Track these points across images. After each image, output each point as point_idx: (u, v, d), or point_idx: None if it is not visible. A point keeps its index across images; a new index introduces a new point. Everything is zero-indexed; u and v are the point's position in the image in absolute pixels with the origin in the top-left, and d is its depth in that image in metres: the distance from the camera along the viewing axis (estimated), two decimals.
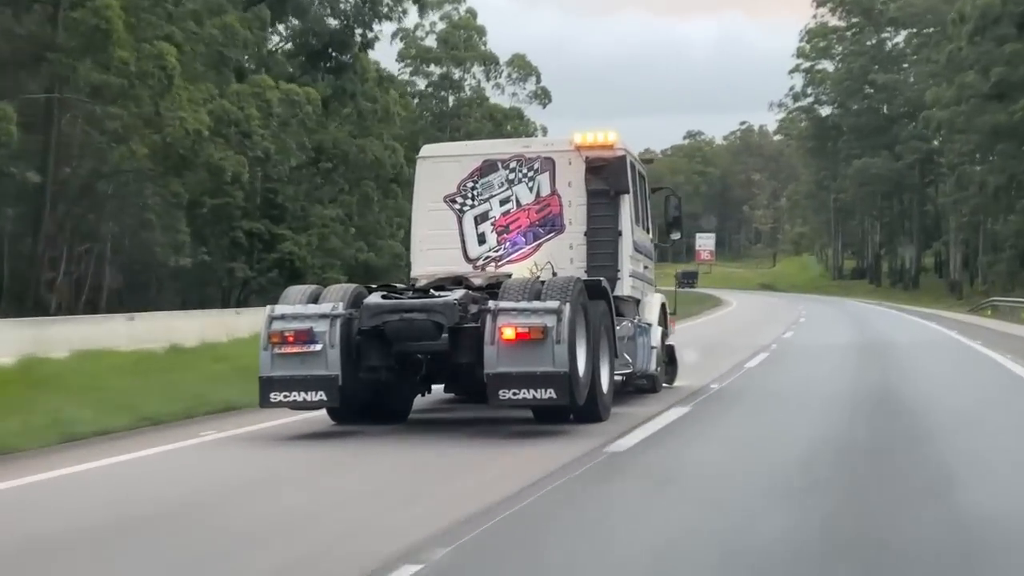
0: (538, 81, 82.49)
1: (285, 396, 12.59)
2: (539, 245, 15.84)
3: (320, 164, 55.76)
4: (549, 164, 15.83)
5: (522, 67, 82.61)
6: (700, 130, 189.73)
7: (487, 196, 15.90)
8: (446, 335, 12.60)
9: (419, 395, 14.35)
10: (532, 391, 12.21)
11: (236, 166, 42.48)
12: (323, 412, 13.65)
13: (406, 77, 79.57)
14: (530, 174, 15.86)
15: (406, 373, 13.21)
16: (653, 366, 16.94)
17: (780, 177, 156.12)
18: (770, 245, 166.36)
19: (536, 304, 12.38)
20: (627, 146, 16.37)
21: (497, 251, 15.88)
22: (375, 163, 56.39)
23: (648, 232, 17.70)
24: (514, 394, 12.23)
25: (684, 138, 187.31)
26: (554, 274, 15.27)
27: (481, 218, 15.92)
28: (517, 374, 12.20)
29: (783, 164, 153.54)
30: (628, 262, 15.89)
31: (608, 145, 15.80)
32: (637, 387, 16.96)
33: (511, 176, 15.87)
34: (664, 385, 18.02)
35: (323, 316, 12.55)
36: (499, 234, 15.89)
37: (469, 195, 15.91)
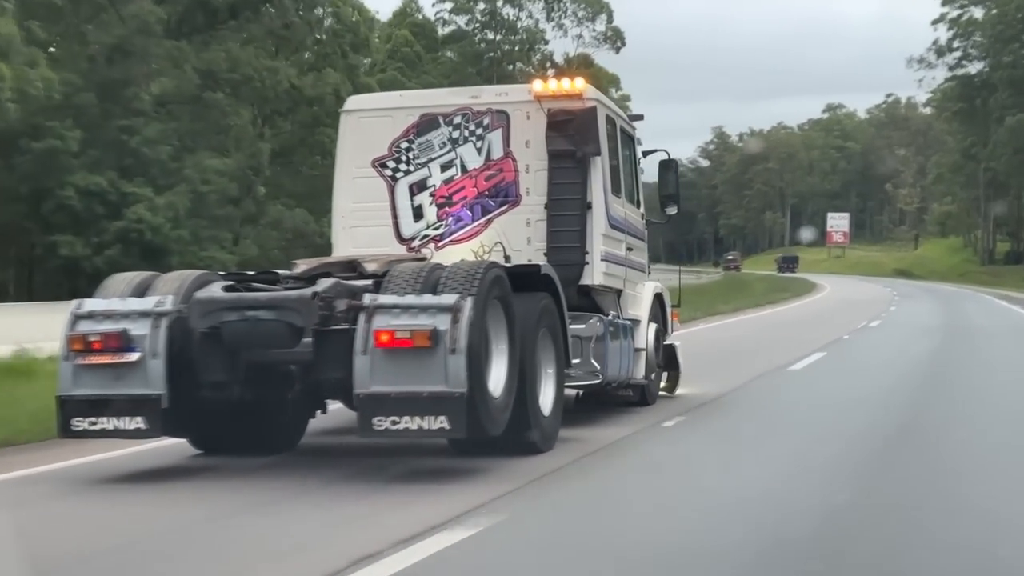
0: (609, 20, 74.14)
1: (92, 423, 9.59)
2: (489, 221, 12.79)
3: (207, 94, 41.40)
4: (502, 119, 12.72)
5: (590, 2, 74.00)
6: (841, 103, 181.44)
7: (425, 159, 12.87)
8: (309, 339, 9.46)
9: (312, 416, 11.22)
10: (417, 419, 9.10)
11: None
12: (177, 440, 10.63)
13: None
14: (478, 132, 12.76)
15: (270, 390, 10.08)
16: (640, 373, 13.73)
17: (928, 153, 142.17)
18: (915, 227, 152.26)
19: (426, 300, 9.26)
20: (601, 96, 13.15)
21: (437, 228, 12.83)
22: (294, 94, 44.99)
23: (637, 206, 14.46)
24: (393, 423, 9.12)
25: (823, 111, 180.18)
26: (506, 258, 12.28)
27: (418, 187, 12.88)
28: (397, 396, 9.09)
29: (931, 139, 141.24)
30: (600, 242, 12.70)
31: (575, 94, 12.64)
32: (622, 400, 13.73)
33: (455, 134, 12.78)
34: (663, 394, 14.78)
35: (144, 314, 9.54)
36: (440, 207, 12.85)
37: (403, 158, 12.87)
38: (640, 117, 15.29)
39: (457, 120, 12.78)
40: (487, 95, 13.06)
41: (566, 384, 12.12)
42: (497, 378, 9.88)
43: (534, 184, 12.66)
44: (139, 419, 9.39)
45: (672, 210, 14.98)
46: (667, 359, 14.93)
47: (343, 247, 12.84)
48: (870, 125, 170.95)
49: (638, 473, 10.51)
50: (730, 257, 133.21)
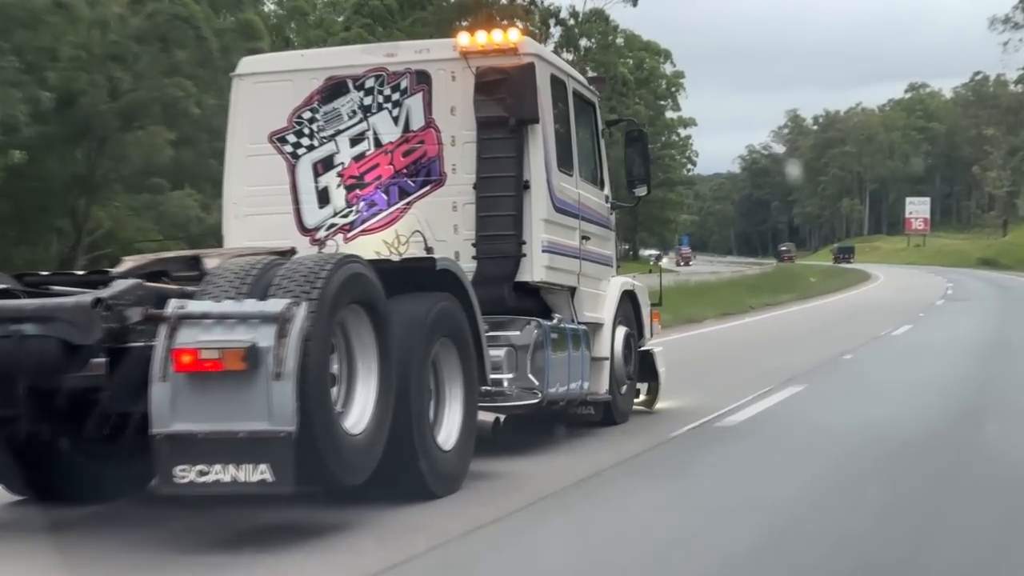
0: None
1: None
2: (408, 205, 10.59)
3: None
4: (423, 81, 10.55)
5: None
6: (925, 82, 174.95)
7: (332, 132, 10.75)
8: (103, 360, 7.27)
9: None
10: (232, 468, 6.83)
11: None
12: None
13: None
14: (395, 97, 10.58)
15: (70, 424, 7.88)
16: (603, 386, 11.46)
17: (1019, 132, 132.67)
18: (1004, 212, 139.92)
19: (246, 307, 7.04)
20: (542, 51, 10.92)
21: (346, 215, 10.69)
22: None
23: (600, 186, 12.18)
24: (200, 473, 6.84)
25: (905, 91, 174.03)
26: (428, 249, 10.08)
27: (323, 166, 10.78)
28: (205, 436, 6.82)
29: (1023, 117, 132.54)
30: (541, 229, 10.47)
31: (508, 48, 10.45)
32: (582, 419, 11.48)
33: (367, 101, 10.62)
34: (640, 409, 12.51)
35: None
36: (349, 190, 10.72)
37: (306, 131, 10.73)
38: (602, 80, 13.09)
39: (369, 83, 10.60)
40: (404, 52, 10.82)
41: (500, 405, 9.97)
42: (361, 408, 7.70)
43: (462, 160, 10.47)
44: None
45: (641, 191, 12.58)
46: (643, 368, 12.61)
47: (235, 239, 10.71)
48: (955, 105, 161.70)
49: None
50: (783, 248, 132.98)
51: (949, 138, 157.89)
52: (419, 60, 10.61)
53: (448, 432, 8.73)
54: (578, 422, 11.48)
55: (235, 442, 6.81)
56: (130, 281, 7.52)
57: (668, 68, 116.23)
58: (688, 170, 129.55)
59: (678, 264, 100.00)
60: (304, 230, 10.64)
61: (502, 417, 9.30)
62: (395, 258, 9.17)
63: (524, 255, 10.30)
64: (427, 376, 8.44)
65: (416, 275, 8.65)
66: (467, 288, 9.03)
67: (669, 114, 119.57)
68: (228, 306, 7.04)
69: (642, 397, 12.77)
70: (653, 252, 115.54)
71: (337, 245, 10.47)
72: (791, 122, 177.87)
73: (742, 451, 10.91)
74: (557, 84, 10.93)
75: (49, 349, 7.11)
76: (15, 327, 7.13)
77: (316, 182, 10.66)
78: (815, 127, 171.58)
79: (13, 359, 7.15)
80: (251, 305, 7.04)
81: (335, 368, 7.64)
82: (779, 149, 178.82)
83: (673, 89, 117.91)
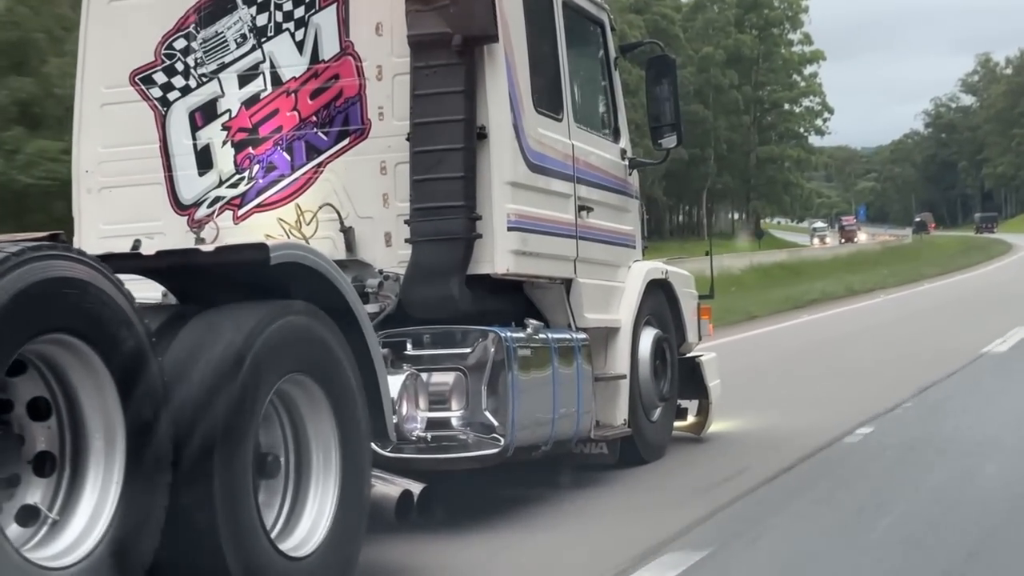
0: None
1: None
2: (319, 167, 7.45)
3: None
4: None
5: None
6: None
7: (215, 67, 7.72)
8: None
9: None
10: None
11: None
12: None
13: None
14: (298, 13, 7.53)
15: None
16: (620, 416, 8.27)
17: None
18: None
19: None
20: None
21: (236, 184, 7.69)
22: None
23: (613, 137, 8.96)
24: None
25: None
26: (345, 229, 6.99)
27: (204, 115, 7.78)
28: None
29: None
30: (507, 196, 7.32)
31: None
32: (591, 460, 8.34)
33: (261, 20, 7.64)
34: (684, 433, 9.32)
35: None
36: (239, 148, 7.67)
37: (179, 67, 7.71)
38: None
39: None
40: None
41: (452, 457, 6.87)
42: (86, 521, 4.68)
43: (392, 101, 7.45)
44: None
45: (671, 142, 9.09)
46: (688, 383, 9.31)
47: (90, 221, 7.76)
48: None
49: None
50: (981, 216, 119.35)
51: None
52: None
53: (308, 527, 5.65)
54: (586, 463, 8.29)
55: None
56: None
57: None
58: (823, 122, 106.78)
59: (841, 241, 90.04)
60: (180, 207, 7.70)
61: (417, 489, 6.19)
62: (207, 248, 6.07)
63: (480, 235, 7.15)
64: (247, 441, 5.30)
65: (248, 273, 5.55)
66: (340, 290, 5.89)
67: (794, 47, 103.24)
68: None
69: (689, 420, 9.51)
70: (819, 224, 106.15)
71: (218, 229, 7.47)
72: (980, 67, 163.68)
73: None
74: None
75: None
76: None
77: (195, 138, 7.71)
78: (1008, 71, 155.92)
79: None
80: None
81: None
82: (968, 101, 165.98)
83: (793, 12, 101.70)
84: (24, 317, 4.38)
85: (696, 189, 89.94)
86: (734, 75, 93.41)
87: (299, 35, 7.51)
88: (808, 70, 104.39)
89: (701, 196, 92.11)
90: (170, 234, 7.46)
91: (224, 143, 7.64)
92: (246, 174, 7.60)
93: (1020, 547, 6.39)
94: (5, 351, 4.36)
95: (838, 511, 7.28)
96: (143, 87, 7.73)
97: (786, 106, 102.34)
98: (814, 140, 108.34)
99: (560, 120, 7.91)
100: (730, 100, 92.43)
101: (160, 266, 5.62)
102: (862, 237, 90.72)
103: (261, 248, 5.61)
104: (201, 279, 5.57)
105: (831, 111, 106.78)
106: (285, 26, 7.53)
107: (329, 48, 7.48)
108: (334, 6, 7.45)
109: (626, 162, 8.96)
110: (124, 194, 7.73)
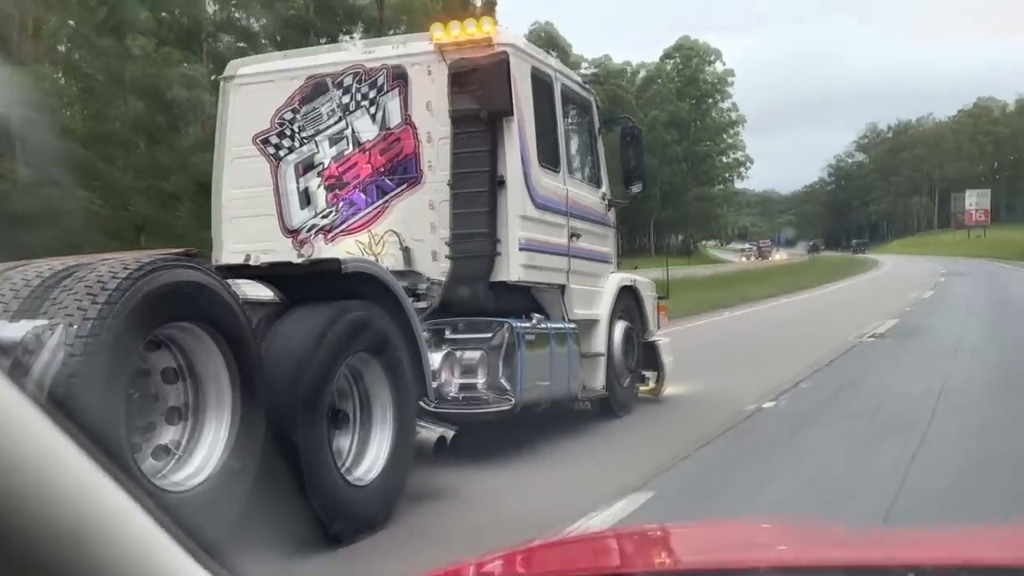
0: None
1: None
2: (386, 204, 6.92)
3: None
4: (400, 78, 6.92)
5: None
6: (992, 95, 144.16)
7: (313, 132, 7.21)
8: None
9: None
10: None
11: None
12: None
13: None
14: (372, 95, 7.00)
15: None
16: (598, 382, 7.67)
17: None
18: None
19: None
20: (520, 42, 7.12)
21: (327, 216, 7.15)
22: None
23: (596, 185, 8.32)
24: None
25: (974, 103, 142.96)
26: (404, 249, 6.45)
27: (305, 167, 7.25)
28: None
29: None
30: (518, 226, 6.77)
31: (482, 40, 6.71)
32: (579, 409, 7.76)
33: (346, 99, 7.06)
34: (647, 396, 8.70)
35: None
36: (330, 190, 7.13)
37: (288, 132, 7.16)
38: (596, 78, 9.15)
39: (348, 81, 7.06)
40: (381, 49, 7.19)
41: (475, 412, 6.34)
42: (205, 456, 4.20)
43: (438, 157, 6.87)
44: None
45: (637, 187, 8.58)
46: (648, 358, 8.77)
47: (226, 242, 7.30)
48: (1019, 113, 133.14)
49: None
50: (855, 242, 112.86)
51: (1013, 141, 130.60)
52: (395, 56, 7.01)
53: (370, 463, 5.16)
54: (577, 412, 7.75)
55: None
56: None
57: (719, 67, 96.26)
58: (743, 171, 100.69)
59: (756, 258, 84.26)
60: (288, 232, 7.20)
61: (450, 435, 5.76)
62: (300, 261, 5.60)
63: (499, 253, 6.64)
64: (324, 401, 4.84)
65: (328, 280, 5.09)
66: (395, 292, 5.42)
67: (726, 114, 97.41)
68: None
69: (650, 385, 8.94)
70: (745, 246, 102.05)
71: (314, 248, 6.98)
72: (869, 131, 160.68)
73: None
74: (539, 79, 7.17)
75: None
76: None
77: (298, 183, 7.19)
78: (889, 135, 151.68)
79: None
80: None
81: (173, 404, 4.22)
82: (860, 157, 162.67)
83: (720, 87, 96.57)
84: (155, 309, 3.95)
85: (644, 220, 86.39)
86: (675, 133, 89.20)
87: (373, 111, 7.00)
88: (735, 131, 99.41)
89: (648, 225, 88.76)
90: (280, 252, 6.99)
91: (319, 187, 7.13)
92: (334, 209, 7.10)
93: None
94: (141, 333, 3.94)
95: (751, 452, 6.73)
96: (262, 146, 7.25)
97: (715, 157, 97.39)
98: (739, 184, 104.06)
99: (557, 172, 7.35)
100: (672, 153, 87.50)
101: (270, 274, 5.18)
102: (778, 256, 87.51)
103: (335, 262, 5.16)
104: (297, 284, 5.12)
105: (751, 161, 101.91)
106: (363, 104, 7.02)
107: (394, 120, 6.97)
108: (397, 90, 6.95)
109: (606, 202, 8.37)
110: (248, 222, 7.24)
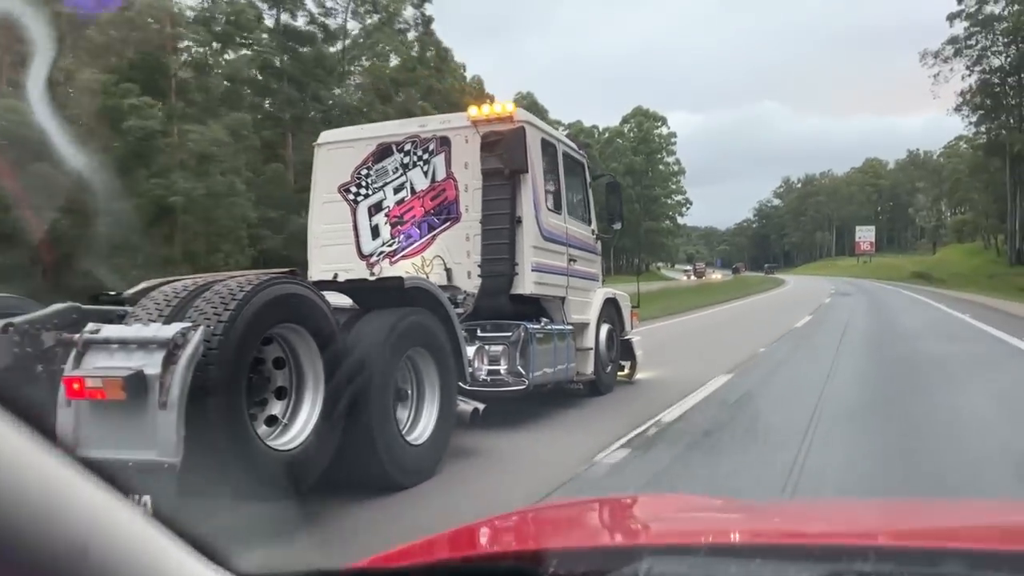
0: None
1: None
2: (434, 236, 7.10)
3: None
4: (445, 144, 7.04)
5: None
6: (877, 156, 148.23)
7: (381, 184, 7.32)
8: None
9: None
10: None
11: None
12: None
13: None
14: (424, 156, 7.11)
15: None
16: (588, 369, 7.81)
17: (942, 187, 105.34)
18: (932, 238, 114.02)
19: (146, 332, 3.69)
20: (532, 119, 7.25)
21: (391, 245, 7.26)
22: None
23: (587, 223, 8.42)
24: None
25: (863, 162, 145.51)
26: (447, 270, 6.54)
27: (375, 208, 7.33)
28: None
29: (944, 176, 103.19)
30: (530, 253, 6.88)
31: (506, 116, 6.85)
32: (573, 390, 7.88)
33: (406, 160, 7.18)
34: (624, 379, 8.82)
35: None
36: (393, 226, 7.28)
37: (363, 183, 7.34)
38: (587, 145, 9.28)
39: (407, 147, 7.22)
40: (432, 123, 7.37)
41: (498, 390, 6.48)
42: (303, 423, 4.35)
43: (472, 202, 7.01)
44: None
45: (617, 225, 8.75)
46: (624, 351, 8.90)
47: (316, 265, 7.47)
48: (898, 170, 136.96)
49: None
50: (767, 265, 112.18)
51: (892, 190, 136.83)
52: (442, 128, 7.18)
53: (423, 428, 5.32)
54: (570, 392, 7.89)
55: (126, 471, 3.55)
56: (63, 304, 4.31)
57: (664, 130, 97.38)
58: (683, 210, 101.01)
59: (694, 276, 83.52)
60: (362, 256, 7.36)
61: (481, 408, 5.97)
62: (371, 278, 5.79)
63: (517, 273, 6.81)
64: (390, 382, 5.01)
65: (392, 292, 5.26)
66: (441, 301, 5.59)
67: (671, 166, 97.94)
68: (132, 331, 3.75)
69: (626, 372, 9.08)
70: (688, 267, 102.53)
71: (381, 269, 7.15)
72: (784, 183, 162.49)
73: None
74: (546, 145, 7.35)
75: None
76: None
77: (370, 221, 7.36)
78: (799, 185, 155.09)
79: None
80: (152, 330, 3.75)
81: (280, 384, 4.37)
82: (777, 202, 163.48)
83: (665, 145, 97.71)
84: (269, 314, 4.12)
85: (605, 246, 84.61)
86: (631, 180, 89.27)
87: (425, 168, 7.19)
88: (677, 179, 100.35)
89: (609, 250, 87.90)
90: (356, 271, 7.18)
91: (385, 223, 7.32)
92: (396, 240, 7.29)
93: None
94: (260, 332, 4.11)
95: (710, 426, 6.87)
96: (344, 194, 7.45)
97: (662, 199, 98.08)
98: (681, 220, 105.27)
99: (560, 213, 7.52)
100: (627, 195, 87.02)
101: (350, 287, 5.33)
102: (715, 276, 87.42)
103: (399, 279, 5.32)
104: (370, 295, 5.29)
105: (691, 203, 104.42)
106: (418, 163, 7.22)
107: (440, 174, 7.16)
108: (443, 153, 7.14)
109: (594, 235, 8.54)
110: (333, 250, 7.42)
